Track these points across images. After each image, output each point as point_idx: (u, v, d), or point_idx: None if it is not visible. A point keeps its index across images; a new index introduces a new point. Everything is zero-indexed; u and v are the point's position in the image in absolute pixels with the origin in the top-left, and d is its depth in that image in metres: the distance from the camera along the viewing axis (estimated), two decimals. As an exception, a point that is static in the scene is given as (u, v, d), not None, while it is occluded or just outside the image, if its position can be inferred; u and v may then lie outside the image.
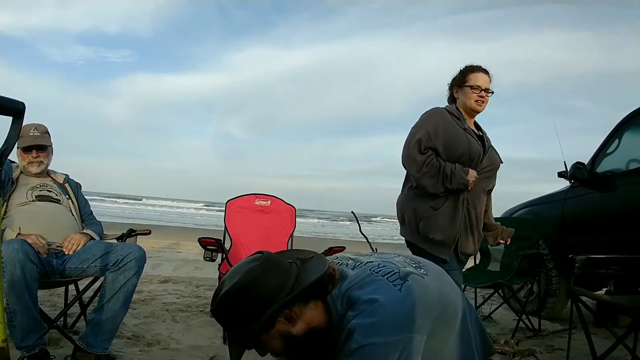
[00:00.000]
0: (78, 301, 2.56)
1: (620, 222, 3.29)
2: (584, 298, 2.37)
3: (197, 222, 19.17)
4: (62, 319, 2.61)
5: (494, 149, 2.48)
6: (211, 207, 30.43)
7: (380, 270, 1.24)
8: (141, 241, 2.76)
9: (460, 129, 2.33)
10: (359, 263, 1.32)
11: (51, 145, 2.56)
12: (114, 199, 32.97)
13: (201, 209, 31.52)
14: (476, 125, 2.50)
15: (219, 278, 2.90)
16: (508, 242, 2.68)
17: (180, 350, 2.58)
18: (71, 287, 2.77)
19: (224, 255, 2.92)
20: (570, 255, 2.53)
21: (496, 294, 3.86)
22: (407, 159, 2.33)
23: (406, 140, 2.36)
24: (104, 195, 33.23)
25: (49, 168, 2.63)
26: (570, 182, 3.73)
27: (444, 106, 2.45)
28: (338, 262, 1.35)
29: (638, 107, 3.50)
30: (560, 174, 3.57)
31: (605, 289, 3.51)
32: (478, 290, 4.01)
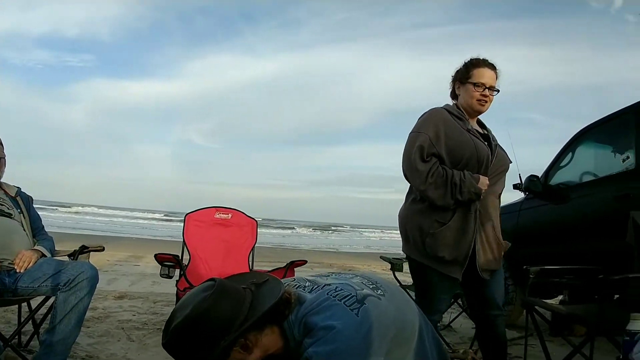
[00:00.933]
0: (31, 319, 2.50)
1: (573, 233, 3.41)
2: (539, 308, 2.44)
3: (156, 233, 18.68)
4: (16, 337, 2.52)
5: (501, 148, 2.25)
6: (171, 218, 29.75)
7: (337, 294, 1.23)
8: (96, 253, 2.70)
9: (464, 131, 2.09)
10: (316, 286, 1.31)
11: (4, 157, 2.49)
12: (69, 207, 31.83)
13: (161, 219, 30.79)
14: (480, 123, 2.28)
15: (177, 295, 2.82)
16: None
17: (136, 370, 2.50)
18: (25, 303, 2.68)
19: (182, 272, 2.84)
20: (524, 266, 2.59)
21: (455, 303, 3.91)
22: (409, 169, 2.07)
23: (405, 149, 2.10)
24: (58, 204, 32.06)
25: (1, 180, 2.54)
26: (525, 193, 3.83)
27: (442, 105, 2.22)
28: (295, 285, 1.33)
29: (590, 123, 3.66)
30: (515, 186, 3.66)
31: (561, 296, 3.62)
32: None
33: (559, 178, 3.76)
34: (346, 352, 1.12)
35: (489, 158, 2.10)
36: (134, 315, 3.81)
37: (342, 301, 1.21)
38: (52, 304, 2.22)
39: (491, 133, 2.26)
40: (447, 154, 2.06)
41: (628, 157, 3.27)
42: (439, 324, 2.58)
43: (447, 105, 2.22)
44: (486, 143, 2.15)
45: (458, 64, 2.24)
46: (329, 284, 1.29)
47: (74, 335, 2.19)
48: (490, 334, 2.24)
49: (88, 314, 2.34)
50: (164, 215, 32.94)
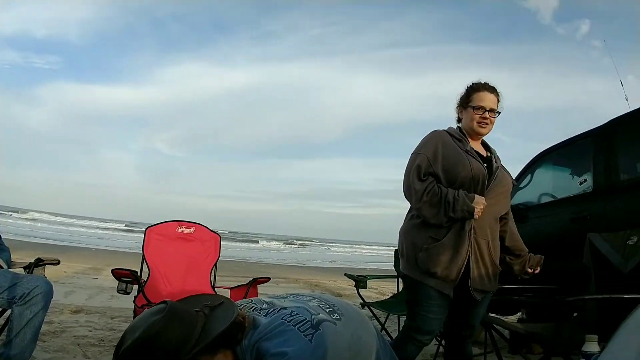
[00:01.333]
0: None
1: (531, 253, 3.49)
2: (497, 326, 2.48)
3: (117, 244, 18.17)
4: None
5: (505, 169, 2.29)
6: (133, 228, 29.02)
7: (292, 319, 1.23)
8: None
9: (461, 151, 2.15)
10: (272, 309, 1.30)
11: None
12: (25, 213, 30.67)
13: (122, 229, 29.95)
14: (485, 145, 2.33)
15: (134, 311, 2.74)
16: (537, 271, 2.36)
17: (90, 389, 2.42)
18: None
19: (140, 288, 2.76)
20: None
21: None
22: (407, 188, 2.14)
23: (406, 169, 2.18)
24: (13, 210, 30.84)
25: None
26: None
27: (446, 128, 2.28)
28: (252, 307, 1.32)
29: (548, 147, 3.80)
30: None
31: (519, 313, 3.69)
32: (401, 317, 4.08)
33: (518, 198, 3.86)
34: None
35: (484, 178, 2.13)
36: (90, 331, 3.71)
37: (297, 326, 1.21)
38: (9, 316, 2.21)
39: (495, 155, 2.30)
40: (444, 173, 2.12)
41: (586, 180, 3.40)
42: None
43: (450, 128, 2.29)
44: (486, 164, 2.19)
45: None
46: (285, 307, 1.29)
47: (30, 349, 2.19)
48: (460, 352, 2.28)
49: (44, 327, 2.33)
50: (125, 226, 32.09)
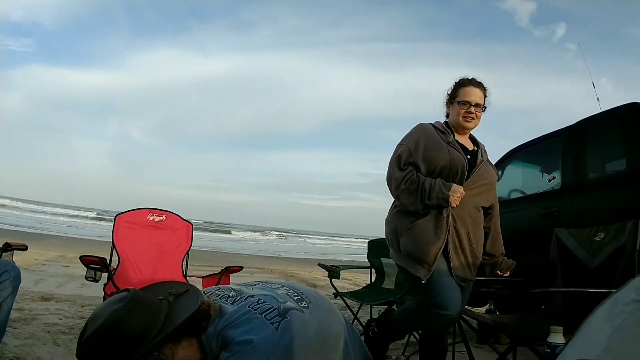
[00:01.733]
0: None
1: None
2: (466, 317, 2.53)
3: (88, 232, 17.79)
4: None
5: (490, 164, 2.34)
6: (104, 216, 28.41)
7: (259, 307, 1.22)
8: (23, 252, 2.62)
9: (443, 142, 2.20)
10: (239, 297, 1.29)
11: None
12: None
13: (93, 217, 29.35)
14: (473, 139, 2.37)
15: (104, 299, 2.70)
16: (507, 275, 2.40)
17: (60, 376, 2.40)
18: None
19: (110, 276, 2.71)
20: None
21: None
22: (388, 177, 2.21)
23: (390, 159, 2.25)
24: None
25: None
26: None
27: (433, 122, 2.32)
28: (219, 295, 1.31)
29: (518, 144, 3.88)
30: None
31: (488, 304, 3.78)
32: (373, 306, 4.13)
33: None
34: None
35: (464, 169, 2.16)
36: (61, 318, 3.65)
37: (263, 314, 1.20)
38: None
39: (482, 149, 2.34)
40: (424, 163, 2.18)
41: (554, 178, 3.48)
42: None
43: (436, 121, 2.33)
44: (468, 156, 2.23)
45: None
46: (253, 295, 1.28)
47: (0, 333, 2.15)
48: (437, 342, 2.32)
49: (15, 314, 2.26)
50: (97, 214, 31.47)
